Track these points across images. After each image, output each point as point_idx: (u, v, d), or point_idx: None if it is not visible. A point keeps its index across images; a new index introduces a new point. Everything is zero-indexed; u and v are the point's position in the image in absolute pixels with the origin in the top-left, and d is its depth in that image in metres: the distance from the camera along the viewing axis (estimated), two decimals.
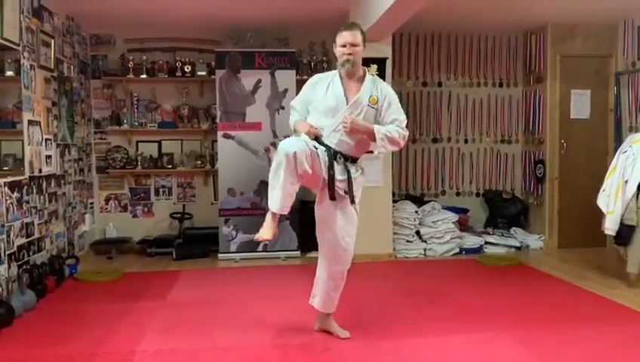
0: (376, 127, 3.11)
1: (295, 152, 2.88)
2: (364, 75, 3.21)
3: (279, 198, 2.95)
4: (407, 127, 3.24)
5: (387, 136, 3.10)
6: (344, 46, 3.11)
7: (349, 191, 3.12)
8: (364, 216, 5.05)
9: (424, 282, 4.70)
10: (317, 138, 3.12)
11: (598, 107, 6.10)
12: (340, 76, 3.19)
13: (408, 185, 6.60)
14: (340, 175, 3.11)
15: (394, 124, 3.16)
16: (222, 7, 5.26)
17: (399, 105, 3.24)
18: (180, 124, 6.17)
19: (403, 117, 3.22)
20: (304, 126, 3.15)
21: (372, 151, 3.26)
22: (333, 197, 3.10)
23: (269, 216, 3.04)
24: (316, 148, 3.04)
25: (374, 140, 3.11)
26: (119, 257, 5.78)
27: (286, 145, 2.94)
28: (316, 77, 3.34)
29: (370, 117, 3.15)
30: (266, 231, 3.02)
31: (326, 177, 3.08)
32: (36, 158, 4.48)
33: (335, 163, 3.09)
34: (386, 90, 3.23)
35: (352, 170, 3.16)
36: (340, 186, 3.11)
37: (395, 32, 5.35)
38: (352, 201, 3.16)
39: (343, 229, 3.19)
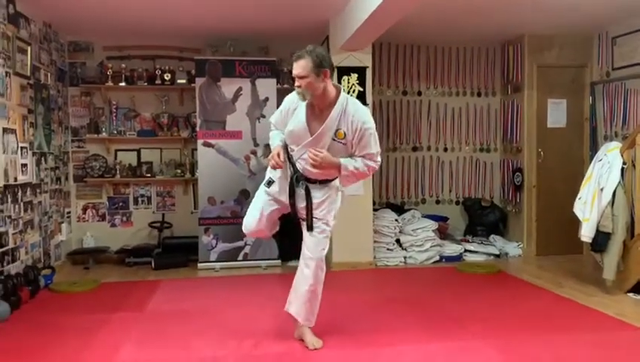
0: (343, 163, 3.04)
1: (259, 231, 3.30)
2: (335, 102, 3.02)
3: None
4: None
5: (354, 172, 3.07)
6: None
7: (307, 219, 3.14)
8: (344, 225, 5.09)
9: (404, 290, 4.71)
10: (288, 157, 3.15)
11: (574, 116, 6.21)
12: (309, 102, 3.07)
13: (389, 194, 6.63)
14: (300, 202, 3.16)
15: (365, 158, 3.07)
16: (202, 16, 5.24)
17: (373, 136, 3.05)
18: (160, 132, 6.13)
19: (375, 149, 3.08)
20: (273, 151, 3.13)
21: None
22: (298, 223, 3.19)
23: None
24: (271, 183, 3.22)
25: (340, 173, 3.09)
26: (97, 267, 5.69)
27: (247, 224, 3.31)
28: (289, 100, 3.19)
29: (337, 150, 3.04)
30: None
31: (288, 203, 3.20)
32: (11, 167, 4.40)
33: (297, 189, 3.14)
34: (358, 122, 3.00)
35: (318, 194, 3.15)
36: (302, 213, 3.18)
37: (375, 41, 5.39)
38: (310, 228, 3.15)
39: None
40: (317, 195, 3.16)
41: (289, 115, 3.14)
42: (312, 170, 3.05)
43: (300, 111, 3.09)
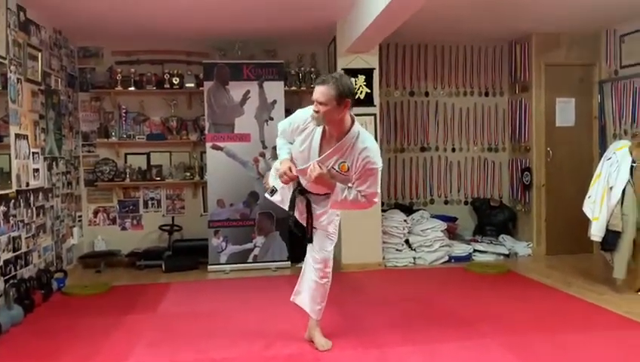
0: (338, 189, 2.99)
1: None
2: (347, 132, 2.94)
3: None
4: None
5: (343, 200, 3.00)
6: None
7: (307, 230, 3.22)
8: (353, 226, 5.12)
9: (413, 290, 4.71)
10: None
11: (582, 115, 6.19)
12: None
13: (397, 194, 6.63)
14: (301, 213, 3.26)
15: (360, 193, 2.98)
16: (210, 20, 5.28)
17: (375, 176, 2.95)
18: (169, 135, 6.17)
19: (373, 190, 2.97)
20: (283, 166, 3.08)
21: None
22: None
23: None
24: (274, 192, 3.27)
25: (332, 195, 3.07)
26: (108, 270, 5.73)
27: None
28: (301, 118, 3.08)
29: (337, 179, 3.00)
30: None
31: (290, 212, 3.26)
32: (23, 172, 4.45)
33: (298, 201, 3.21)
34: (363, 159, 2.91)
35: (318, 207, 3.21)
36: (303, 222, 3.27)
37: (381, 42, 5.40)
38: (309, 240, 3.25)
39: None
40: (317, 208, 3.22)
41: (296, 133, 3.10)
42: (309, 182, 3.09)
43: (315, 136, 3.02)
